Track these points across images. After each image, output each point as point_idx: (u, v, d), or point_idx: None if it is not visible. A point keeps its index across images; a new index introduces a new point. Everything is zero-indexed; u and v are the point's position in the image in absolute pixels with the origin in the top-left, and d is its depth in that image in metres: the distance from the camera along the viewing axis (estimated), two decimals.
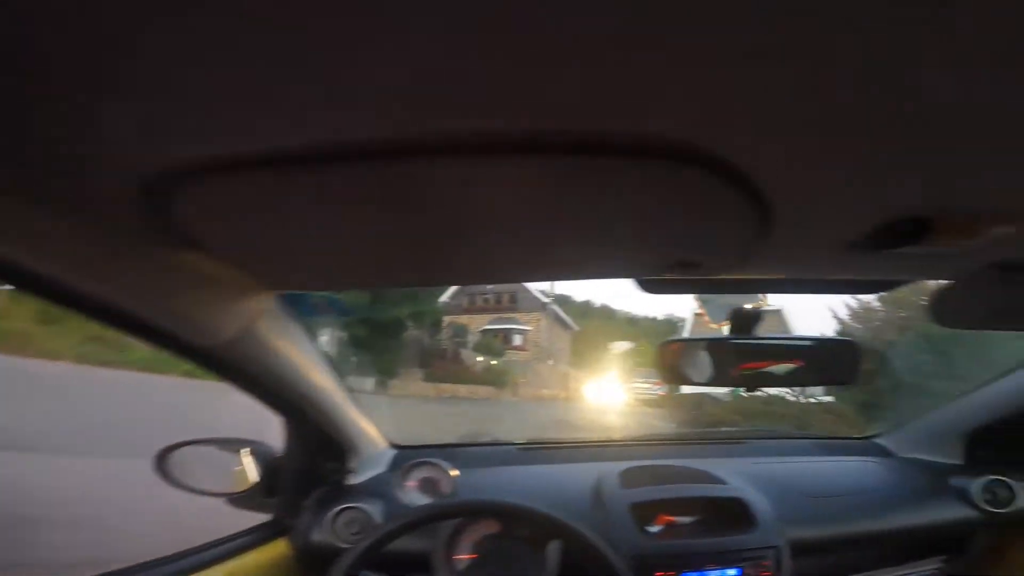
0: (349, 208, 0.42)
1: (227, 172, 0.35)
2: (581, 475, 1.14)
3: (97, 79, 0.26)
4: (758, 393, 7.00)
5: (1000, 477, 1.09)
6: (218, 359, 0.71)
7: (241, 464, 1.00)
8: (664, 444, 1.47)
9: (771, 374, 0.84)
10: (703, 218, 0.44)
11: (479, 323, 23.44)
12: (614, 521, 0.97)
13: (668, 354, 0.89)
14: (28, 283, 0.46)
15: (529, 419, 11.04)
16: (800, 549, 0.96)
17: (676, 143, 0.32)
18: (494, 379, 15.77)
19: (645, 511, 1.00)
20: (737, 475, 1.12)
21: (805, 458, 1.28)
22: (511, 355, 20.76)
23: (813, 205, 0.40)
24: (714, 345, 0.88)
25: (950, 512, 1.07)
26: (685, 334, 25.25)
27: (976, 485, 1.08)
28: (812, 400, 7.61)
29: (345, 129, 0.31)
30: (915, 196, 0.38)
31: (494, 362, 16.61)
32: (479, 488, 1.08)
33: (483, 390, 15.27)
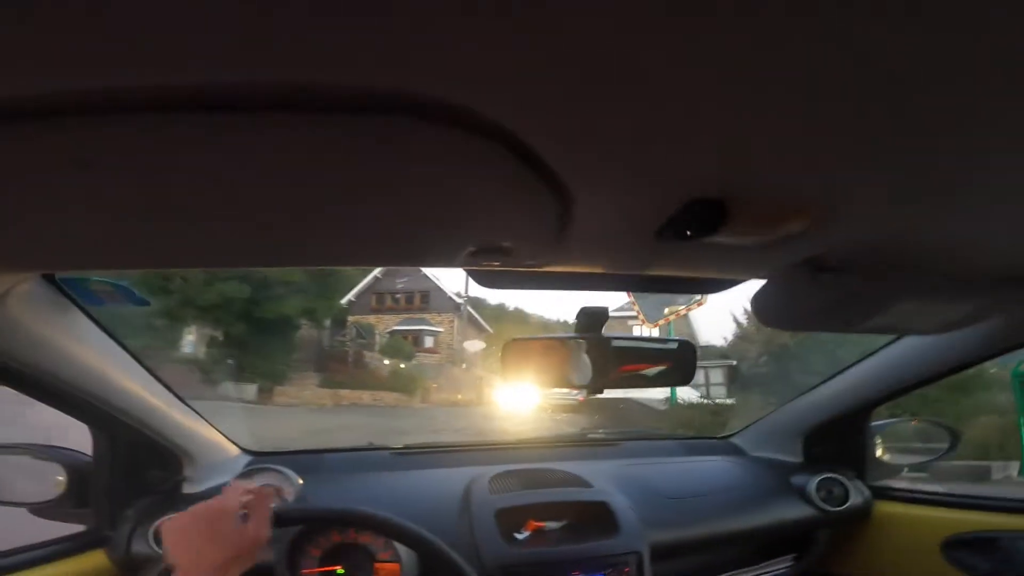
0: (64, 174, 0.34)
1: None
2: (452, 480, 1.08)
3: None
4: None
5: (833, 475, 1.12)
6: None
7: (38, 472, 0.87)
8: (540, 447, 1.42)
9: (615, 379, 0.85)
10: (498, 194, 0.38)
11: (388, 324, 21.67)
12: (479, 528, 0.92)
13: (512, 352, 0.86)
14: None
15: (439, 427, 10.61)
16: (661, 552, 0.95)
17: (460, 109, 0.28)
18: (402, 384, 14.01)
19: (513, 517, 0.95)
20: (606, 478, 1.09)
21: (670, 459, 1.28)
22: (422, 358, 19.06)
23: (610, 189, 0.37)
24: (563, 347, 0.85)
25: (793, 511, 1.10)
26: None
27: (813, 483, 1.11)
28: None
29: (58, 77, 0.25)
30: (709, 177, 0.36)
31: (403, 366, 15.00)
32: (344, 496, 1.00)
33: (389, 396, 13.93)
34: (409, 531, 0.76)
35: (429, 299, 22.23)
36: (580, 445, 1.44)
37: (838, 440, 1.21)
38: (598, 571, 0.92)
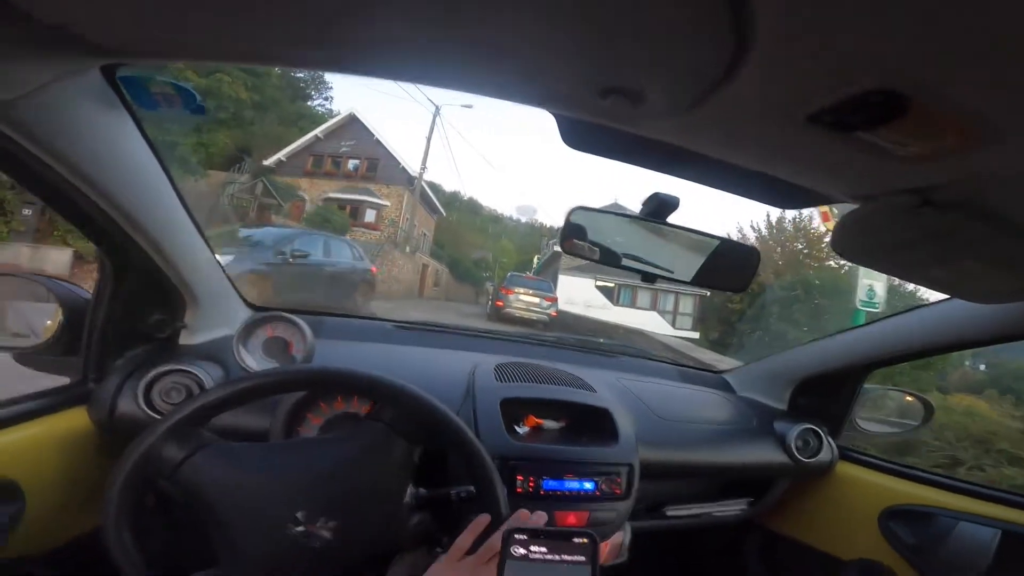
0: None
1: None
2: (455, 362, 1.06)
3: None
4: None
5: (813, 427, 1.16)
6: (21, 153, 0.52)
7: (41, 310, 0.76)
8: (542, 344, 1.39)
9: (668, 271, 0.85)
10: (666, 19, 0.32)
11: (322, 190, 17.18)
12: (483, 415, 0.90)
13: (572, 222, 0.84)
14: None
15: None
16: (645, 471, 0.95)
17: None
18: None
19: (515, 409, 0.94)
20: (605, 385, 1.09)
21: (665, 381, 1.29)
22: (358, 233, 14.85)
23: (801, 41, 0.32)
24: (623, 225, 0.86)
25: (769, 455, 1.11)
26: (555, 247, 21.45)
27: (795, 431, 1.14)
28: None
29: None
30: (906, 66, 0.32)
31: None
32: (342, 361, 0.81)
33: None
34: (447, 418, 0.71)
35: (377, 168, 17.74)
36: (581, 350, 1.42)
37: (826, 395, 1.21)
38: (591, 477, 0.89)
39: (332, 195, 17.80)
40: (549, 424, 0.98)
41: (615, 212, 0.87)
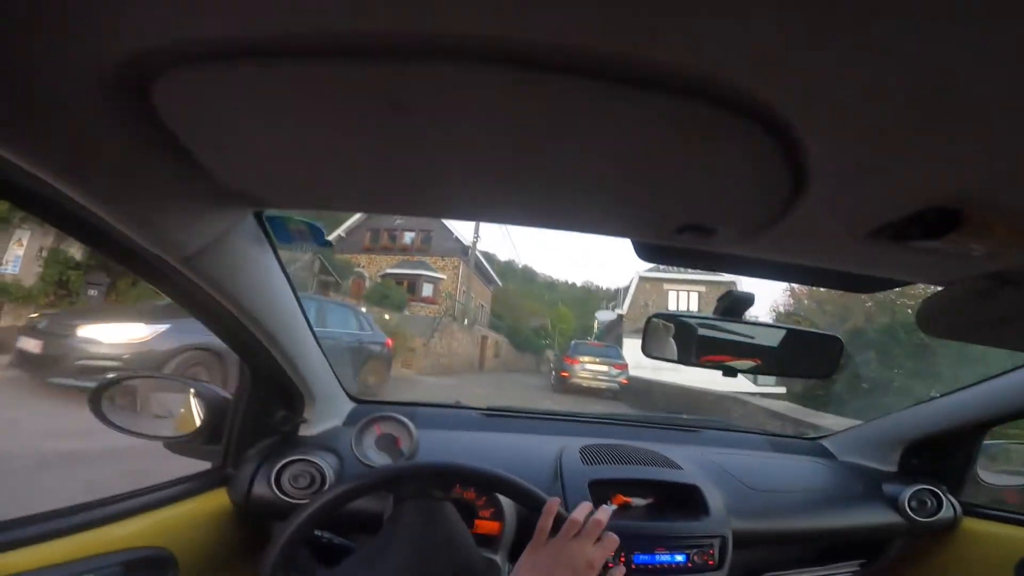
0: (340, 112, 0.37)
1: (208, 59, 0.31)
2: (542, 447, 1.13)
3: None
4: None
5: (931, 487, 1.16)
6: (176, 276, 0.64)
7: (187, 406, 0.94)
8: (624, 424, 1.44)
9: (749, 365, 0.89)
10: (735, 178, 0.40)
11: (379, 265, 17.31)
12: (572, 497, 0.96)
13: (655, 327, 0.93)
14: None
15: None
16: (737, 541, 0.97)
17: (721, 83, 0.29)
18: None
19: (602, 489, 0.99)
20: (691, 462, 1.12)
21: (755, 452, 1.31)
22: (416, 308, 14.53)
23: (853, 179, 0.37)
24: (700, 325, 0.91)
25: (879, 516, 1.12)
26: (626, 302, 20.39)
27: (907, 493, 1.14)
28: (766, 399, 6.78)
29: (348, 16, 0.28)
30: (959, 184, 0.36)
31: (387, 317, 10.77)
32: (437, 451, 1.03)
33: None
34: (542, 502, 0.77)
35: (431, 240, 17.81)
36: (663, 427, 1.45)
37: (942, 454, 1.21)
38: (682, 550, 0.93)
39: (390, 271, 18.00)
40: (637, 501, 1.00)
41: (691, 315, 0.92)
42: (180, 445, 0.93)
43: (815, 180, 0.37)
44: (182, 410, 0.95)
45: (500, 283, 26.15)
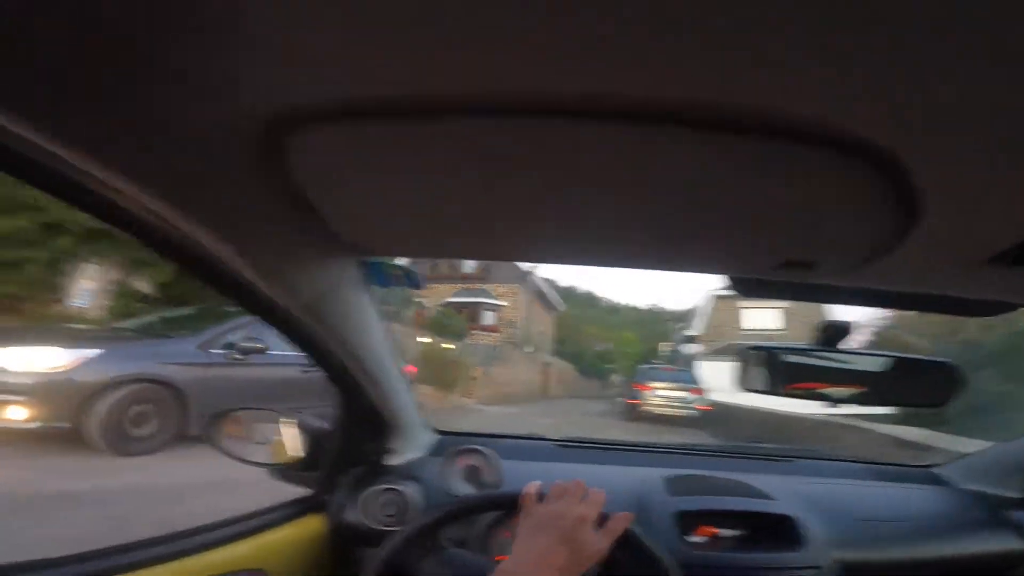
0: (458, 166, 0.40)
1: (340, 118, 0.35)
2: (622, 478, 1.09)
3: (236, 9, 0.27)
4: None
5: None
6: (293, 320, 0.70)
7: (280, 435, 1.00)
8: (708, 455, 1.37)
9: (854, 395, 0.86)
10: (839, 212, 0.41)
11: (440, 295, 17.38)
12: (657, 528, 0.93)
13: (749, 361, 0.91)
14: (122, 218, 0.46)
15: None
16: (845, 572, 0.94)
17: (829, 125, 0.31)
18: (437, 372, 9.61)
19: (688, 521, 0.96)
20: (785, 492, 1.07)
21: (856, 482, 1.21)
22: (478, 337, 14.32)
23: (970, 204, 0.37)
24: (799, 356, 0.89)
25: (1004, 543, 1.05)
26: (699, 323, 19.26)
27: None
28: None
29: (473, 80, 0.31)
30: None
31: (444, 346, 10.56)
32: (514, 482, 1.02)
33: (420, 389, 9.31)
34: (632, 534, 0.75)
35: (490, 267, 17.62)
36: (752, 457, 1.38)
37: None
38: None
39: (451, 299, 18.00)
40: (726, 532, 0.96)
41: (789, 346, 0.90)
42: (283, 472, 1.01)
43: (928, 210, 0.37)
44: (275, 439, 1.00)
45: (561, 308, 25.59)
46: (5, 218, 6.10)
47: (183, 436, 3.99)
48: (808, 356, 0.86)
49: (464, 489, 1.00)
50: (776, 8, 0.23)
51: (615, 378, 28.62)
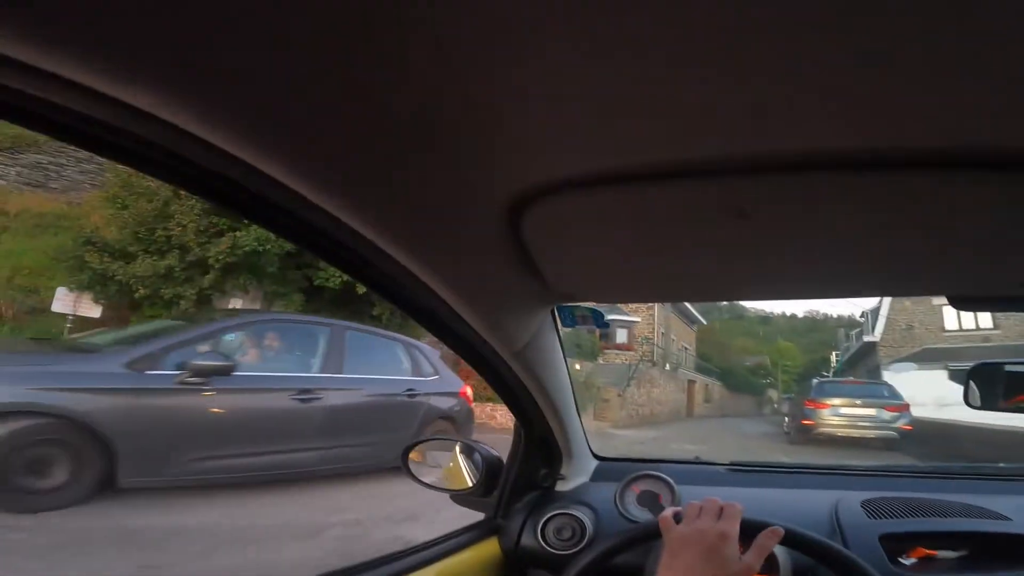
0: (667, 224, 0.47)
1: (568, 191, 0.40)
2: (810, 502, 1.04)
3: (503, 91, 0.31)
4: None
5: None
6: (504, 368, 0.77)
7: (453, 463, 1.09)
8: (911, 476, 1.24)
9: None
10: None
11: None
12: (861, 552, 0.81)
13: (980, 379, 0.88)
14: (377, 280, 0.52)
15: None
16: None
17: None
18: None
19: (897, 544, 0.89)
20: (1020, 512, 0.96)
21: None
22: (610, 357, 13.63)
23: None
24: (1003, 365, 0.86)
25: None
26: (878, 327, 16.16)
27: None
28: None
29: (665, 149, 0.36)
30: None
31: (578, 367, 10.03)
32: None
33: None
34: (849, 559, 0.72)
35: None
36: (970, 477, 1.22)
37: None
38: None
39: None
40: (944, 554, 0.89)
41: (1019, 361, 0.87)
42: (463, 498, 1.05)
43: None
44: (450, 465, 1.09)
45: (704, 322, 23.41)
46: (157, 258, 7.07)
47: (110, 487, 3.00)
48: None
49: (642, 515, 1.00)
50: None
51: (772, 393, 25.49)
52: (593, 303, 0.81)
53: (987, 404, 0.84)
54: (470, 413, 5.18)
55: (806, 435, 8.46)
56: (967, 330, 14.30)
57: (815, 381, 10.50)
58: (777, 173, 0.36)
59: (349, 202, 0.39)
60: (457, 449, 1.09)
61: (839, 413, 8.20)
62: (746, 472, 1.24)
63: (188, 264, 7.18)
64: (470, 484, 1.03)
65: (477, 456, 1.04)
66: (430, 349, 5.02)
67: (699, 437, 9.86)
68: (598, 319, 0.87)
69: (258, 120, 0.30)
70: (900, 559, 0.87)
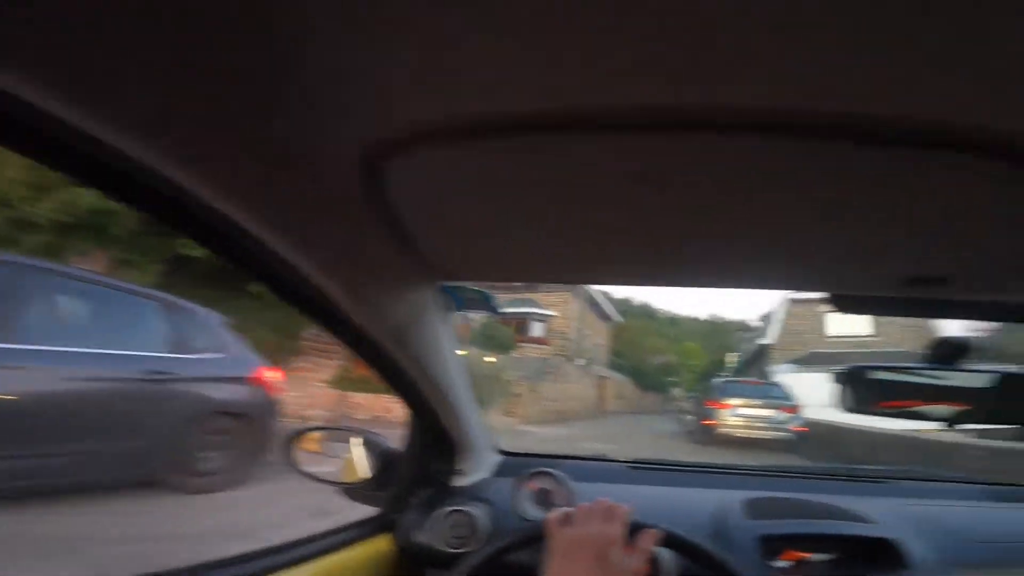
0: (546, 187, 0.40)
1: (443, 138, 0.35)
2: (696, 501, 1.05)
3: (348, 24, 0.27)
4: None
5: None
6: (376, 347, 0.71)
7: (350, 454, 1.02)
8: (793, 477, 1.28)
9: (976, 413, 0.84)
10: (979, 222, 0.39)
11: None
12: (738, 554, 0.87)
13: (850, 382, 0.88)
14: (221, 242, 0.45)
15: None
16: None
17: (966, 130, 0.30)
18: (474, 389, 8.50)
19: (773, 546, 0.90)
20: (886, 515, 0.99)
21: (973, 503, 1.12)
22: (526, 351, 15.48)
23: None
24: (907, 376, 0.85)
25: None
26: (773, 331, 17.08)
27: None
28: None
29: (564, 96, 0.30)
30: None
31: (487, 359, 9.51)
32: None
33: None
34: (719, 560, 0.74)
35: None
36: (843, 479, 1.28)
37: None
38: None
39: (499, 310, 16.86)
40: (816, 557, 0.91)
41: (897, 365, 0.86)
42: (354, 491, 1.02)
43: None
44: (346, 457, 1.02)
45: (617, 319, 23.94)
46: None
47: None
48: (905, 374, 0.83)
49: (536, 513, 0.99)
50: (907, 12, 0.23)
51: (678, 392, 26.78)
52: (480, 283, 0.77)
53: (859, 408, 0.86)
54: (271, 406, 3.81)
55: (708, 435, 8.74)
56: (847, 336, 15.64)
57: (716, 381, 10.96)
58: (676, 132, 0.31)
59: (178, 153, 0.34)
60: (351, 440, 1.05)
61: (738, 414, 8.53)
62: (646, 470, 1.25)
63: (10, 222, 6.08)
64: (364, 477, 1.00)
65: (373, 448, 1.02)
66: (209, 315, 3.63)
67: (610, 436, 9.89)
68: (489, 303, 0.84)
69: (72, 67, 0.27)
70: (774, 561, 0.88)
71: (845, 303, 0.59)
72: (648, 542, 0.63)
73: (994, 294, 0.52)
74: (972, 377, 0.80)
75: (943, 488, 1.23)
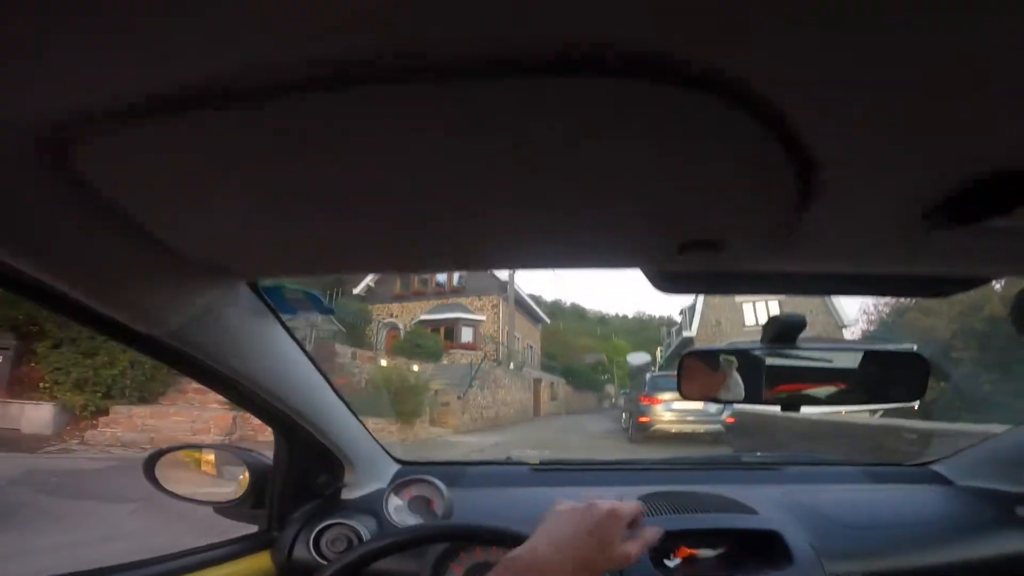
0: (287, 159, 0.34)
1: (128, 117, 0.29)
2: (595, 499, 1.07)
3: None
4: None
5: None
6: (167, 347, 0.63)
7: (245, 474, 0.97)
8: (690, 469, 1.31)
9: (812, 395, 0.82)
10: (733, 176, 0.35)
11: (413, 313, 15.71)
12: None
13: (693, 366, 0.86)
14: None
15: None
16: None
17: (697, 63, 0.26)
18: (397, 399, 7.78)
19: (663, 543, 0.86)
20: (771, 504, 1.01)
21: (850, 486, 1.17)
22: (457, 356, 12.74)
23: (874, 159, 0.31)
24: (746, 359, 0.83)
25: (1017, 544, 0.97)
26: (694, 323, 17.57)
27: None
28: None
29: (261, 58, 0.25)
30: (1019, 141, 0.30)
31: (415, 367, 8.75)
32: (484, 510, 1.03)
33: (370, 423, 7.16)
34: None
35: (465, 278, 15.85)
36: (735, 468, 1.35)
37: None
38: None
39: (424, 317, 16.33)
40: (704, 553, 0.91)
41: (734, 348, 0.86)
42: (228, 509, 0.98)
43: (829, 161, 0.32)
44: (241, 477, 0.98)
45: (548, 321, 23.79)
46: None
47: None
48: (781, 357, 0.82)
49: (410, 520, 0.96)
50: None
51: (610, 388, 27.15)
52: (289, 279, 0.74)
53: (749, 397, 0.82)
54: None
55: (643, 432, 8.75)
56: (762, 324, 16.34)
57: (648, 376, 11.05)
58: (389, 84, 0.25)
59: None
60: (216, 458, 1.05)
61: (672, 408, 8.52)
62: (549, 471, 1.26)
63: None
64: (237, 495, 0.97)
65: (245, 464, 0.98)
66: None
67: (544, 441, 9.56)
68: (317, 304, 0.93)
69: None
70: (666, 560, 0.87)
71: (660, 280, 0.53)
72: (652, 535, 0.62)
73: (779, 263, 0.47)
74: (837, 357, 0.79)
75: (824, 472, 1.27)
